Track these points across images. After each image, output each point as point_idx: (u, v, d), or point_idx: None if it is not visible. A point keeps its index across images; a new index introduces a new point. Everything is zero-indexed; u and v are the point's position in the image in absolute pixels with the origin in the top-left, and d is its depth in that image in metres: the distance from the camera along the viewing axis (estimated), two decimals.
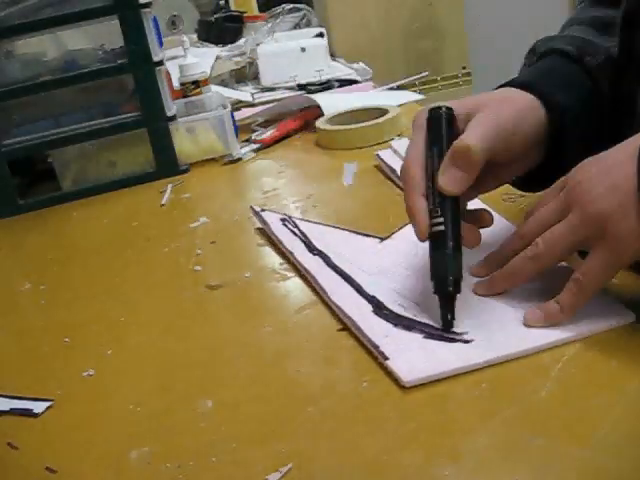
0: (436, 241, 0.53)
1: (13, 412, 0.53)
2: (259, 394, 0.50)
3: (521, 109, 0.57)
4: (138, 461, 0.46)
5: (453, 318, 0.52)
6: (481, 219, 0.58)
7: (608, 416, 0.42)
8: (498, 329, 0.51)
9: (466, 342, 0.51)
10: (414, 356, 0.50)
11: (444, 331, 0.52)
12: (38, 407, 0.53)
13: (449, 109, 0.56)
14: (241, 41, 1.58)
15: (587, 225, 0.50)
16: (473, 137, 0.53)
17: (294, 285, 0.64)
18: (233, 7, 1.99)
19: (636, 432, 0.41)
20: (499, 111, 0.56)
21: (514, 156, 0.58)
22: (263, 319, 0.60)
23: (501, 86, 0.61)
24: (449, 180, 0.53)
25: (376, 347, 0.51)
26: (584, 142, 0.60)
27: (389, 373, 0.49)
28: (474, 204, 0.73)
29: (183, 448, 0.46)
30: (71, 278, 0.75)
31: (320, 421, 0.46)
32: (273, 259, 0.70)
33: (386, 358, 0.50)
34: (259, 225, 0.76)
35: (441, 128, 0.56)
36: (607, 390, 0.45)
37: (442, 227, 0.53)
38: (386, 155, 0.87)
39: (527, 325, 0.51)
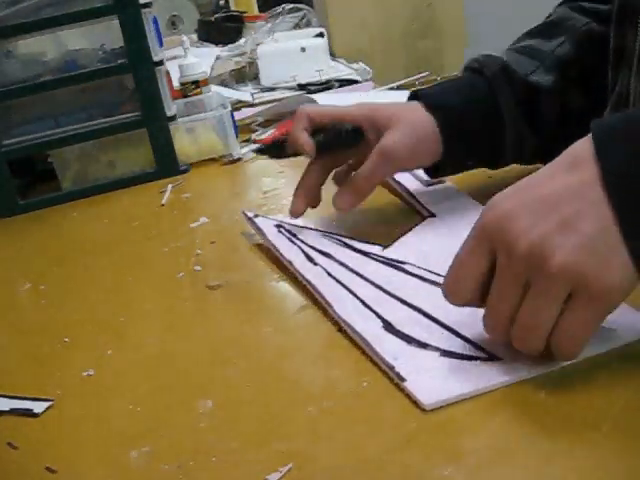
0: None
1: (13, 412, 0.53)
2: (259, 394, 0.50)
3: (422, 135, 0.68)
4: (138, 461, 0.46)
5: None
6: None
7: (608, 416, 0.42)
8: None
9: (486, 360, 0.48)
10: (432, 377, 0.47)
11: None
12: (38, 407, 0.53)
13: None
14: (241, 41, 1.58)
15: (559, 286, 0.42)
16: (369, 170, 0.67)
17: (294, 285, 0.64)
18: (233, 7, 1.99)
19: (636, 432, 0.41)
20: (406, 135, 0.67)
21: (415, 161, 0.70)
22: (263, 319, 0.60)
23: (410, 98, 0.73)
24: (341, 202, 0.69)
25: (391, 368, 0.48)
26: (473, 135, 0.70)
27: (389, 373, 0.49)
28: (465, 199, 0.73)
29: (183, 448, 0.46)
30: (71, 278, 0.75)
31: (320, 421, 0.46)
32: (273, 259, 0.69)
33: (403, 380, 0.47)
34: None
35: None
36: (607, 390, 0.45)
37: None
38: None
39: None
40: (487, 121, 0.70)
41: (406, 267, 0.61)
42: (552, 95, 0.71)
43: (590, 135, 0.44)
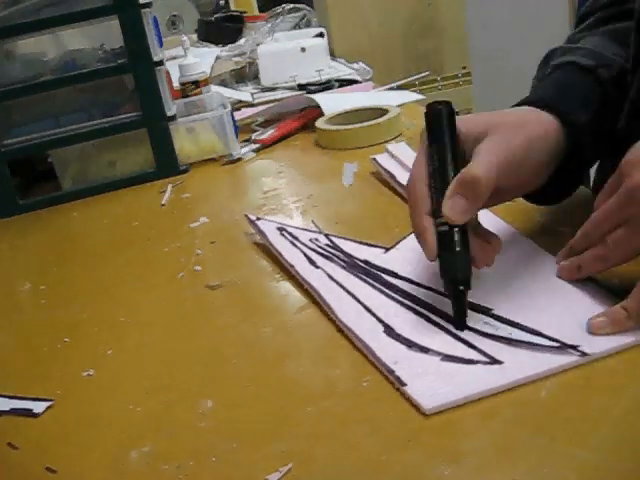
0: (442, 241, 0.52)
1: (13, 412, 0.53)
2: (259, 394, 0.50)
3: (533, 138, 0.55)
4: (138, 461, 0.46)
5: (466, 315, 0.52)
6: (489, 241, 0.55)
7: (608, 416, 0.42)
8: (519, 350, 0.49)
9: (486, 364, 0.48)
10: (433, 381, 0.47)
11: (458, 327, 0.51)
12: (38, 407, 0.53)
13: (448, 103, 0.55)
14: (241, 41, 1.58)
15: None
16: (482, 168, 0.52)
17: (294, 285, 0.64)
18: (233, 7, 1.99)
19: (636, 432, 0.41)
20: (511, 139, 0.54)
21: (520, 182, 0.57)
22: (263, 319, 0.60)
23: (519, 104, 0.60)
24: (454, 209, 0.51)
25: (391, 372, 0.48)
26: (598, 156, 0.64)
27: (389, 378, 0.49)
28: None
29: (183, 448, 0.46)
30: (71, 278, 0.75)
31: (320, 421, 0.46)
32: (273, 259, 0.70)
33: (403, 384, 0.47)
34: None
35: (441, 125, 0.55)
36: (607, 390, 0.45)
37: (446, 227, 0.52)
38: (383, 159, 0.85)
39: (592, 333, 0.49)
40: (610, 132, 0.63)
41: (406, 269, 0.60)
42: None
43: None
